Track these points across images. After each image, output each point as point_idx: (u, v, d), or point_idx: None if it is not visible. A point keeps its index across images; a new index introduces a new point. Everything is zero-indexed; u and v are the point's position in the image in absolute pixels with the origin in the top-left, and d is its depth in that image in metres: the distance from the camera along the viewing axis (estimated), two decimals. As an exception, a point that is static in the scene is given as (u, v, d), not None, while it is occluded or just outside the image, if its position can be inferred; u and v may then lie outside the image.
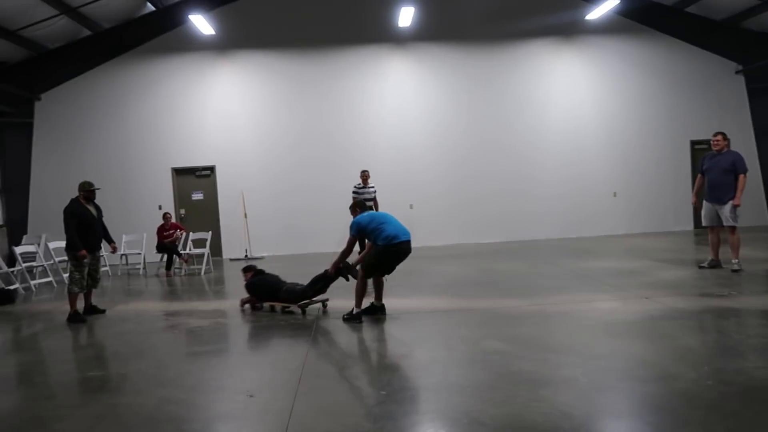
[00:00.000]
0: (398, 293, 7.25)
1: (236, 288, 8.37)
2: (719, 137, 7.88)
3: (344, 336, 5.64)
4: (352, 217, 6.43)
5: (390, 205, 13.05)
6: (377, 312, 6.20)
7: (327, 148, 13.09)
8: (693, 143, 13.72)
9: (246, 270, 7.27)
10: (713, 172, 7.85)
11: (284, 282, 6.82)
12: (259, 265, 7.51)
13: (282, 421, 3.50)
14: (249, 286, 6.96)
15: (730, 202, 7.62)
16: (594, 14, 12.32)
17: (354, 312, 6.05)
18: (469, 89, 13.36)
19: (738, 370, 3.96)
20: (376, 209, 11.17)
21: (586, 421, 3.32)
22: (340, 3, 13.00)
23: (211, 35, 12.32)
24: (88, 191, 7.13)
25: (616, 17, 13.41)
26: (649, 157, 13.62)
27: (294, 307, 6.54)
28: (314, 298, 6.52)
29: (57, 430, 3.67)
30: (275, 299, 6.67)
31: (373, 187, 11.17)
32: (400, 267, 6.27)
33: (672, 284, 7.06)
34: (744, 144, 13.71)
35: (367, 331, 5.72)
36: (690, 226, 13.68)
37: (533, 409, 3.51)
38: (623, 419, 3.45)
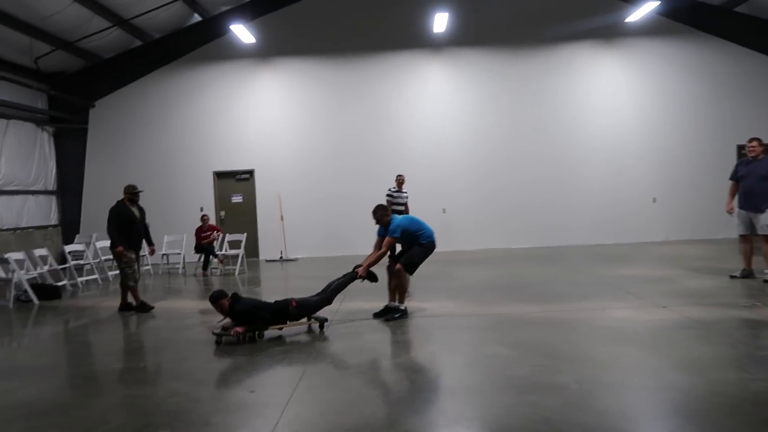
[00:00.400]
0: (419, 297, 7.38)
1: (268, 288, 8.71)
2: (755, 143, 7.63)
3: (349, 339, 5.75)
4: (376, 220, 6.68)
5: (423, 209, 13.23)
6: (389, 313, 6.36)
7: (363, 153, 13.33)
8: (740, 147, 13.19)
9: (217, 298, 5.76)
10: (749, 179, 7.61)
11: (276, 302, 5.94)
12: (293, 267, 7.30)
13: (275, 415, 3.71)
14: (241, 315, 5.62)
15: None
16: (634, 16, 12.08)
17: (400, 308, 6.35)
18: (505, 94, 13.32)
19: (732, 382, 3.90)
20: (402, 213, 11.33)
21: (562, 427, 3.37)
22: (376, 10, 13.23)
23: (252, 44, 12.79)
24: (132, 193, 7.64)
25: (658, 18, 13.08)
26: (692, 162, 13.20)
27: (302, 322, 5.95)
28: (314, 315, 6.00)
29: (75, 416, 3.99)
30: (282, 322, 5.81)
31: (406, 192, 11.29)
32: (426, 271, 6.64)
33: (696, 293, 6.90)
34: (795, 148, 13.12)
35: (377, 332, 5.88)
36: (734, 233, 13.14)
37: (514, 413, 3.59)
38: (600, 427, 3.48)
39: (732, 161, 13.17)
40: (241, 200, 13.57)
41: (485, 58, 13.32)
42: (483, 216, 13.27)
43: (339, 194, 13.21)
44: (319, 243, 13.22)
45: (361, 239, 12.95)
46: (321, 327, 5.94)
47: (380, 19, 13.25)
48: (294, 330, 5.93)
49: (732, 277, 7.84)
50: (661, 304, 6.35)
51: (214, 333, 5.63)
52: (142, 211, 7.77)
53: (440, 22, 11.63)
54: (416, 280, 6.80)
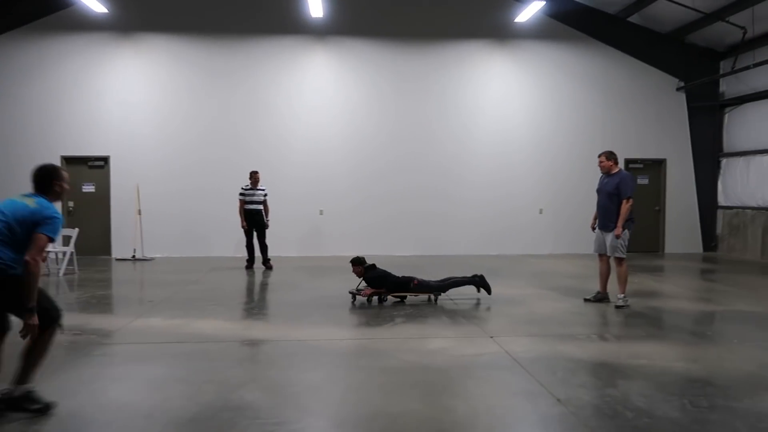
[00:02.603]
0: (216, 313, 6.31)
1: (85, 299, 7.40)
2: (602, 157, 7.04)
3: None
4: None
5: (298, 210, 12.21)
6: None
7: (235, 146, 12.11)
8: (627, 162, 12.90)
9: (355, 263, 7.22)
10: (600, 195, 7.09)
11: (402, 276, 7.21)
12: (144, 268, 6.59)
13: None
14: (374, 280, 7.03)
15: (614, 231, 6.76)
16: (523, 16, 11.46)
17: None
18: (393, 92, 12.45)
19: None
20: (266, 214, 10.26)
21: None
22: (254, -11, 12.06)
23: (109, 16, 11.34)
24: None
25: (552, 22, 12.58)
26: (580, 173, 12.73)
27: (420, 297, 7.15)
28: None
29: None
30: (405, 291, 7.05)
31: (263, 189, 10.23)
32: (276, 279, 5.59)
33: (539, 320, 6.17)
34: (681, 165, 12.98)
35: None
36: (619, 249, 12.84)
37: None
38: None
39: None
40: (93, 190, 12.05)
41: (372, 50, 12.40)
42: (364, 221, 12.35)
43: (203, 189, 11.96)
44: (177, 241, 11.91)
45: (221, 240, 11.85)
46: (434, 299, 7.13)
47: (259, -1, 12.10)
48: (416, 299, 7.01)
49: (586, 300, 7.22)
50: (491, 333, 5.55)
51: (350, 292, 7.05)
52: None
53: (316, 5, 10.56)
54: (250, 290, 5.74)
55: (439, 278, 7.48)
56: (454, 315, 6.43)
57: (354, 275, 7.18)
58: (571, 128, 12.76)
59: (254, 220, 10.06)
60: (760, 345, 5.17)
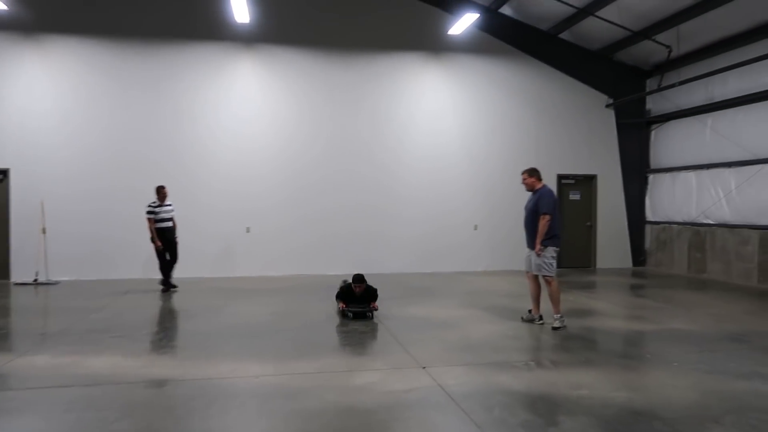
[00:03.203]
0: (116, 347, 5.55)
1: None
2: (524, 174, 6.88)
3: None
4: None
5: (223, 227, 11.45)
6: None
7: (154, 159, 11.23)
8: (560, 177, 12.93)
9: (362, 280, 7.39)
10: (525, 213, 6.88)
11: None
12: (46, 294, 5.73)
13: None
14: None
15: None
16: (456, 29, 11.26)
17: None
18: (325, 104, 11.93)
19: None
20: (174, 231, 9.51)
21: None
22: (175, -8, 11.32)
23: (10, 13, 10.31)
24: None
25: (486, 36, 12.49)
26: (514, 189, 12.59)
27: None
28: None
29: None
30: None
31: (170, 205, 9.51)
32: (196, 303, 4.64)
33: (474, 345, 5.77)
34: (612, 181, 13.12)
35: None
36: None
37: None
38: None
39: (553, 189, 12.85)
40: (-11, 206, 10.84)
41: (303, 60, 11.86)
42: (295, 239, 11.71)
43: (115, 207, 10.99)
44: (85, 263, 10.87)
45: (133, 261, 10.90)
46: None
47: (180, 1, 11.34)
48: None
49: (523, 320, 6.92)
50: (424, 363, 5.09)
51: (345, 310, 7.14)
52: None
53: (241, 10, 9.94)
54: (162, 318, 4.99)
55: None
56: (387, 340, 5.93)
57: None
58: (505, 144, 12.66)
59: (166, 239, 9.36)
60: (700, 368, 4.96)
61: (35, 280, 10.46)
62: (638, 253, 13.18)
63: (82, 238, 10.88)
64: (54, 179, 10.88)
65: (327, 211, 11.82)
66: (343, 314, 7.11)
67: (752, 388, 4.43)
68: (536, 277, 6.79)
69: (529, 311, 6.94)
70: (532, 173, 6.75)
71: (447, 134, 12.43)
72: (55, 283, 10.40)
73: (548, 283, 6.58)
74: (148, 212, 9.24)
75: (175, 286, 9.49)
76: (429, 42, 12.29)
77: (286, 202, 11.71)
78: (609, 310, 7.82)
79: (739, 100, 10.71)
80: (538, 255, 6.47)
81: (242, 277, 11.08)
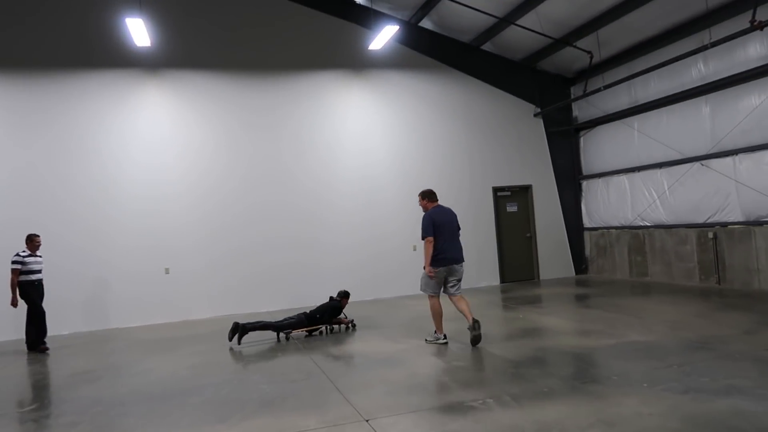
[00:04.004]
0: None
1: None
2: (419, 197, 6.97)
3: None
4: None
5: (140, 268, 10.33)
6: None
7: (56, 197, 10.02)
8: (496, 190, 12.59)
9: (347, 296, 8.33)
10: None
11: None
12: None
13: None
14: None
15: None
16: (376, 44, 10.76)
17: None
18: (243, 128, 11.11)
19: None
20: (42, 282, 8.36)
21: None
22: (63, 14, 10.26)
23: None
24: None
25: (408, 51, 12.09)
26: (450, 204, 12.10)
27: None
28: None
29: None
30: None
31: (41, 256, 8.40)
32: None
33: (421, 385, 5.09)
34: (547, 188, 12.93)
35: None
36: (497, 281, 12.38)
37: None
38: None
39: (489, 204, 12.51)
40: None
41: (214, 84, 11.01)
42: (221, 276, 10.72)
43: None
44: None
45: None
46: None
47: (75, 26, 10.29)
48: None
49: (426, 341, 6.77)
50: (367, 414, 4.35)
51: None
52: None
53: (140, 34, 9.01)
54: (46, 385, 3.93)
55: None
56: (323, 386, 5.13)
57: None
58: (437, 159, 12.22)
59: (38, 293, 8.25)
60: (672, 388, 4.46)
61: None
62: (580, 261, 12.99)
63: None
64: (-69, 232, 9.46)
65: (254, 245, 10.92)
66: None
67: (735, 407, 3.95)
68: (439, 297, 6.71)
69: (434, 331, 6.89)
70: (423, 196, 6.85)
71: (376, 153, 11.86)
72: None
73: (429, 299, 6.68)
74: (14, 262, 8.04)
75: (45, 350, 8.21)
76: (350, 59, 11.75)
77: (207, 237, 10.74)
78: (561, 326, 7.35)
79: (662, 101, 10.74)
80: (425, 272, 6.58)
81: (162, 324, 9.97)
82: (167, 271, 10.50)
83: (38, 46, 10.11)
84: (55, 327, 9.71)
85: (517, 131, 12.81)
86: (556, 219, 12.93)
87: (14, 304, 8.03)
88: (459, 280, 6.59)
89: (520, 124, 12.84)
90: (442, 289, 6.61)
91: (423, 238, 6.49)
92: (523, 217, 12.78)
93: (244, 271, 10.79)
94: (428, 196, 6.79)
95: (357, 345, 7.03)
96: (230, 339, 7.44)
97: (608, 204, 12.35)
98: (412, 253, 11.83)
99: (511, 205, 12.73)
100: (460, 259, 6.55)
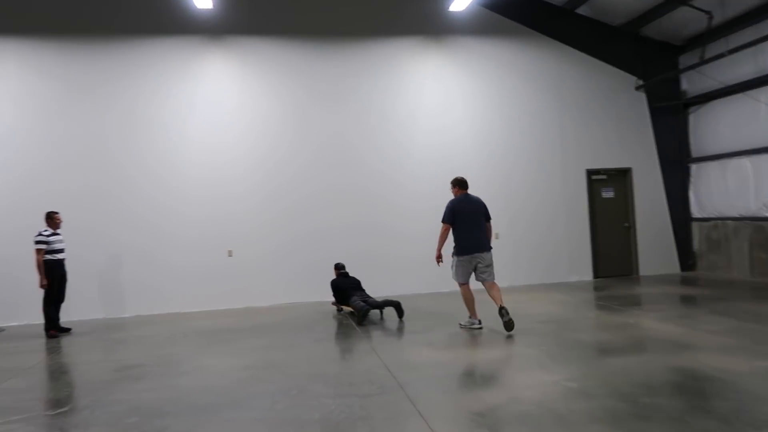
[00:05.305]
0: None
1: None
2: (451, 186, 7.01)
3: None
4: None
5: (201, 252, 9.70)
6: None
7: (104, 176, 9.52)
8: (590, 173, 11.14)
9: (335, 266, 8.81)
10: None
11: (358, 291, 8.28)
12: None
13: None
14: (331, 287, 8.52)
15: None
16: (457, 5, 9.52)
17: None
18: (311, 100, 10.21)
19: None
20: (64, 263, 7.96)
21: None
22: (128, -20, 9.66)
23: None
24: None
25: (492, 16, 10.79)
26: (539, 190, 10.88)
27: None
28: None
29: None
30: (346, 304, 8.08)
31: (61, 234, 7.95)
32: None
33: (534, 416, 3.95)
34: (649, 172, 11.33)
35: None
36: (590, 276, 10.96)
37: None
38: None
39: (582, 189, 11.10)
40: None
41: (282, 52, 10.15)
42: (285, 262, 9.94)
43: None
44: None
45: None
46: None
47: (135, -8, 9.68)
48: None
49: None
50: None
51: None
52: None
53: (200, -8, 8.24)
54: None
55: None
56: (401, 406, 4.11)
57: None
58: (525, 138, 10.89)
59: (59, 273, 7.91)
60: None
61: (-27, 329, 8.70)
62: (686, 256, 11.33)
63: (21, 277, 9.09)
64: (-8, 208, 9.15)
65: (321, 231, 10.06)
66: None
67: None
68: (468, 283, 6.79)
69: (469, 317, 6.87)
70: (454, 184, 6.92)
71: (455, 131, 10.68)
72: (1, 330, 8.65)
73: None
74: (39, 242, 7.69)
75: (68, 329, 8.00)
76: (427, 24, 10.59)
77: (271, 221, 9.97)
78: (689, 337, 5.97)
79: (803, 68, 8.95)
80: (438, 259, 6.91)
81: (223, 311, 9.29)
82: (230, 254, 9.80)
83: (91, 12, 9.55)
84: (115, 309, 9.32)
85: (616, 107, 11.25)
86: (660, 207, 11.31)
87: (44, 285, 7.74)
88: (488, 266, 6.66)
89: (619, 98, 11.27)
90: (475, 276, 6.70)
91: (443, 221, 6.75)
92: (620, 204, 11.26)
93: (309, 257, 9.94)
94: (459, 184, 6.88)
95: (433, 351, 5.96)
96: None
97: (724, 191, 10.63)
98: (495, 243, 10.57)
99: (607, 191, 11.23)
100: (483, 248, 6.64)
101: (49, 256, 7.75)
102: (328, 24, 10.27)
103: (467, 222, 6.62)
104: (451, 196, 6.96)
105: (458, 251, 6.66)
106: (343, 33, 10.32)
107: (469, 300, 6.75)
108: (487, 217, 6.82)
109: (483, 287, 6.73)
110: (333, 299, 8.70)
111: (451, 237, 6.78)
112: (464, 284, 6.73)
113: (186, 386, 5.01)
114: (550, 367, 5.02)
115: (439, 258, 6.80)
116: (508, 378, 4.79)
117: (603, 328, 6.68)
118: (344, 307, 8.38)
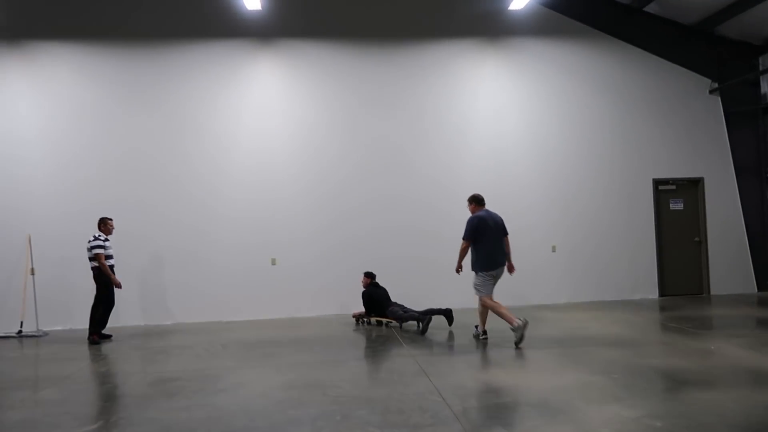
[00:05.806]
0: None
1: None
2: (467, 203, 7.11)
3: None
4: None
5: (244, 259, 9.46)
6: None
7: (153, 183, 9.41)
8: (657, 183, 10.35)
9: (366, 275, 8.52)
10: None
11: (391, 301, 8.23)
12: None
13: None
14: (363, 297, 8.36)
15: None
16: (516, 4, 8.99)
17: None
18: (361, 105, 9.87)
19: None
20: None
21: None
22: (178, -18, 9.56)
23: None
24: None
25: (554, 15, 10.20)
26: (598, 200, 10.17)
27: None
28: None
29: None
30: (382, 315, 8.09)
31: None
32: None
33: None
34: (723, 183, 10.44)
35: None
36: (655, 294, 10.15)
37: None
38: None
39: (648, 200, 10.32)
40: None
41: (333, 56, 9.85)
42: (330, 271, 9.58)
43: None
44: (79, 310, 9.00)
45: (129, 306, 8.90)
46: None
47: (185, -5, 9.57)
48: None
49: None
50: None
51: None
52: None
53: (250, -7, 8.01)
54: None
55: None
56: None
57: None
58: (584, 144, 10.22)
59: (111, 280, 7.83)
60: None
61: (19, 331, 8.67)
62: (764, 275, 10.36)
63: (72, 281, 9.03)
64: (43, 211, 9.16)
65: (366, 239, 9.65)
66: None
67: None
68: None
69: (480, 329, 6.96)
70: (470, 201, 7.03)
71: (511, 136, 10.12)
72: (44, 335, 8.60)
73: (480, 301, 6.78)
74: (98, 246, 7.63)
75: (109, 336, 7.89)
76: (484, 25, 10.09)
77: (317, 228, 9.65)
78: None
79: None
80: (457, 271, 7.02)
81: (268, 321, 9.00)
82: (274, 262, 9.51)
83: (139, 18, 9.49)
84: (157, 317, 9.17)
85: (687, 111, 10.43)
86: (735, 220, 10.40)
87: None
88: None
89: (690, 102, 10.45)
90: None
91: (463, 239, 6.79)
92: (690, 216, 10.41)
93: (355, 266, 9.51)
94: (476, 201, 6.98)
95: (493, 372, 5.42)
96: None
97: (811, 204, 9.67)
98: (551, 255, 9.96)
99: (676, 202, 10.40)
100: (503, 263, 6.82)
101: (109, 261, 7.80)
102: (379, 26, 9.91)
103: (491, 238, 6.71)
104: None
105: (484, 267, 6.72)
106: (395, 35, 9.95)
107: (494, 311, 6.71)
108: (505, 232, 6.91)
109: (479, 301, 6.88)
110: (355, 310, 8.61)
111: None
112: (488, 296, 6.81)
113: (222, 406, 4.64)
114: (626, 400, 4.41)
115: (459, 269, 6.94)
116: (580, 411, 4.21)
117: (680, 354, 5.98)
118: (378, 319, 8.26)
